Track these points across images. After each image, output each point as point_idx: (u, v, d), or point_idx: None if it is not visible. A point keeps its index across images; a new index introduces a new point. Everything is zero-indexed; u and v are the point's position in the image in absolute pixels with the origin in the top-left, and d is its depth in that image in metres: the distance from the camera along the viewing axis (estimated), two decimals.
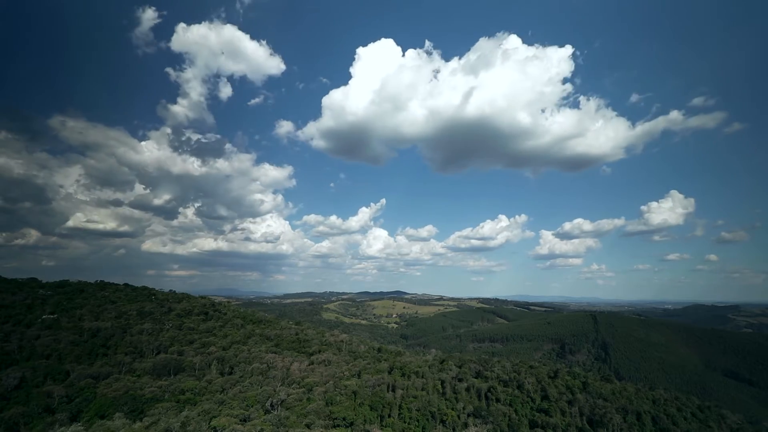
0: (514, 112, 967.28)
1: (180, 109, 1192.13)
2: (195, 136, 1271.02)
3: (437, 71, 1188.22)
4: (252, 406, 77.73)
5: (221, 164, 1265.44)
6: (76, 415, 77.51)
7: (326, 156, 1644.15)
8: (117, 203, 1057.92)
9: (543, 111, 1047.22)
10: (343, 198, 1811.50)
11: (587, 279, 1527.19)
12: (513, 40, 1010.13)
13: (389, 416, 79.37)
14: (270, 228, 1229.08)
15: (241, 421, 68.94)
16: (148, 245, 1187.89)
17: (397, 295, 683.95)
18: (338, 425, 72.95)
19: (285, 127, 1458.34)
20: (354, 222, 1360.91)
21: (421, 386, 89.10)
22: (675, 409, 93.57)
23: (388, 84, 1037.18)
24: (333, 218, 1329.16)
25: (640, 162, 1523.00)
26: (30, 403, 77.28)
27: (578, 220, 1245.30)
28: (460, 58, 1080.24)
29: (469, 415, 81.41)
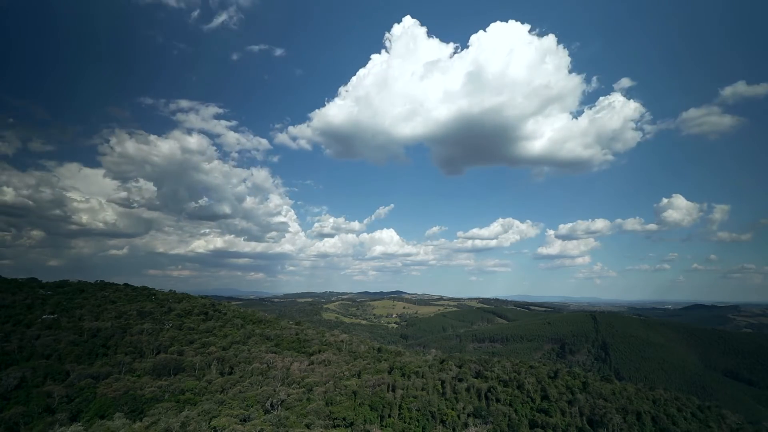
0: (527, 110, 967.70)
1: (189, 103, 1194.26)
2: (204, 135, 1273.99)
3: (449, 62, 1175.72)
4: (252, 406, 77.73)
5: (227, 164, 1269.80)
6: (76, 415, 77.55)
7: (327, 153, 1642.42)
8: (124, 203, 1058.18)
9: (557, 110, 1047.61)
10: (347, 198, 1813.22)
11: (587, 279, 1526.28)
12: (526, 34, 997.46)
13: (389, 416, 79.39)
14: (271, 228, 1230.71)
15: (241, 421, 68.92)
16: (151, 245, 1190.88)
17: (397, 295, 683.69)
18: (338, 425, 72.96)
19: (288, 125, 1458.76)
20: (356, 222, 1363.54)
21: (421, 386, 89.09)
22: (675, 409, 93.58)
23: (399, 81, 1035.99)
24: (335, 218, 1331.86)
25: (641, 163, 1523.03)
26: (30, 403, 77.28)
27: (579, 221, 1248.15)
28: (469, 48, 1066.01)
29: (469, 415, 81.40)
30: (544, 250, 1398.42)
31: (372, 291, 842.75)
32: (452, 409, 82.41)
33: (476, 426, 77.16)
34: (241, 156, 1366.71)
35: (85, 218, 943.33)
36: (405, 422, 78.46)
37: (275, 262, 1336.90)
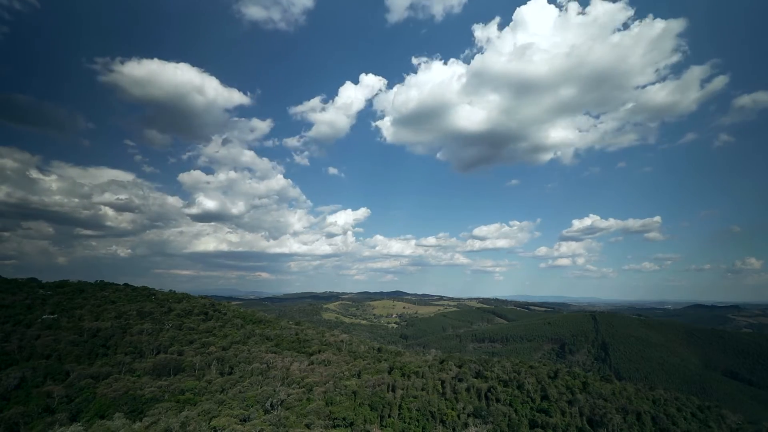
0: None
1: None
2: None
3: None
4: (252, 406, 77.70)
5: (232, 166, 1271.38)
6: (76, 415, 77.51)
7: (321, 155, 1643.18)
8: (131, 203, 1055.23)
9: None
10: (347, 198, 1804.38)
11: (587, 279, 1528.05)
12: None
13: (389, 416, 79.35)
14: (273, 228, 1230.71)
15: (241, 421, 68.93)
16: (156, 245, 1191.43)
17: (397, 295, 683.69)
18: (338, 425, 72.90)
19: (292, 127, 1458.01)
20: (357, 222, 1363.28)
21: (421, 386, 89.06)
22: (675, 409, 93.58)
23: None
24: (335, 218, 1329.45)
25: (642, 162, 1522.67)
26: (30, 403, 77.26)
27: (578, 221, 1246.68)
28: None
29: (469, 415, 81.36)
30: (543, 250, 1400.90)
31: (372, 291, 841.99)
32: (452, 409, 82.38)
33: (476, 426, 77.11)
34: (243, 153, 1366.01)
35: (90, 217, 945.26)
36: (405, 422, 78.43)
37: (276, 262, 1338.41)
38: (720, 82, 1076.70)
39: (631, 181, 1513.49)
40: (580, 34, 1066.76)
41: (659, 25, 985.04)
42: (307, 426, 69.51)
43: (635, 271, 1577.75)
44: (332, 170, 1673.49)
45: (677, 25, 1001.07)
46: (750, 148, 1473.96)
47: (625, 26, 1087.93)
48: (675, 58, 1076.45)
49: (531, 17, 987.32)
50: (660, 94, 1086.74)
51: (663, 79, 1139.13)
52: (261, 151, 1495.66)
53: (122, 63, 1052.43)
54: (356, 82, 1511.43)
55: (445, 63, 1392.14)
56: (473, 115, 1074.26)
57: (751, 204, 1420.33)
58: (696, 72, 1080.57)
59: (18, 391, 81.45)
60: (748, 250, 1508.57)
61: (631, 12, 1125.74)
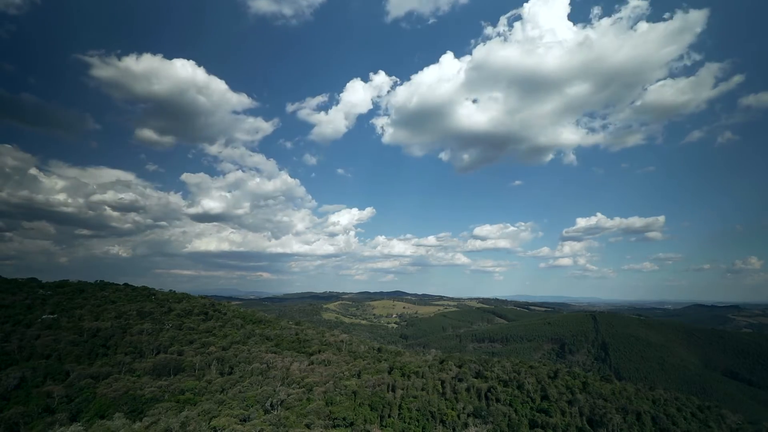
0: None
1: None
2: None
3: None
4: (252, 406, 77.74)
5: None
6: (76, 415, 77.58)
7: (324, 154, 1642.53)
8: (131, 205, 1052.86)
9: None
10: (347, 198, 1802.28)
11: (587, 279, 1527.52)
12: None
13: (389, 416, 79.37)
14: (273, 228, 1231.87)
15: (241, 421, 68.95)
16: (155, 244, 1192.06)
17: (397, 295, 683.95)
18: (338, 425, 72.93)
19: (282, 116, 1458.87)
20: (358, 222, 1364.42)
21: (421, 386, 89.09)
22: (675, 409, 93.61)
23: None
24: (338, 218, 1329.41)
25: (645, 162, 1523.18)
26: (30, 403, 77.33)
27: (579, 221, 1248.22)
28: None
29: (469, 415, 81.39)
30: (544, 250, 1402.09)
31: (372, 291, 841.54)
32: (452, 409, 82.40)
33: (476, 426, 77.14)
34: (240, 151, 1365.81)
35: (93, 217, 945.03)
36: (405, 422, 78.45)
37: (278, 262, 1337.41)
38: (734, 81, 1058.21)
39: (634, 180, 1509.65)
40: (595, 28, 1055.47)
41: (676, 20, 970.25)
42: (307, 426, 69.53)
43: (635, 271, 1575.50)
44: (339, 170, 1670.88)
45: (698, 17, 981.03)
46: (752, 148, 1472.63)
47: (641, 21, 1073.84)
48: (692, 54, 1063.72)
49: (542, 10, 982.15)
50: (670, 92, 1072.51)
51: (676, 76, 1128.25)
52: (266, 151, 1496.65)
53: (120, 59, 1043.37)
54: (365, 79, 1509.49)
55: (457, 57, 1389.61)
56: (477, 113, 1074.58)
57: (752, 203, 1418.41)
58: (712, 69, 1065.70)
59: (18, 391, 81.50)
60: (748, 249, 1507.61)
61: (647, 6, 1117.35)
